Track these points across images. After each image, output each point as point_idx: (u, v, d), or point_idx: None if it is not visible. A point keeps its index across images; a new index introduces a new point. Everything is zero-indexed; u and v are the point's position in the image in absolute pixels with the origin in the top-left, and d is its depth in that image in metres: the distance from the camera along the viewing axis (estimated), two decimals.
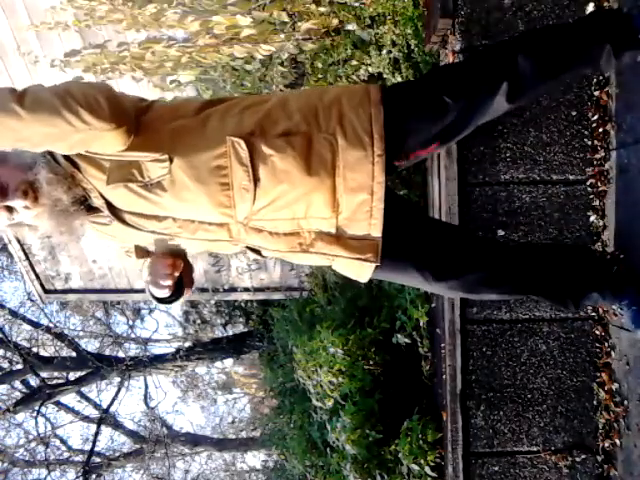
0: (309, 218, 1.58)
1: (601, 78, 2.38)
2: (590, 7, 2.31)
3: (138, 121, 1.53)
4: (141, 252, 1.77)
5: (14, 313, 8.79)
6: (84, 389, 9.91)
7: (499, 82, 1.60)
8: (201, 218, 1.59)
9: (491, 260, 1.77)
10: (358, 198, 1.55)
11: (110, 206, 1.60)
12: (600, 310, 2.45)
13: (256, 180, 1.52)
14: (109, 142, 1.47)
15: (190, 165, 1.51)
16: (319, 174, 1.53)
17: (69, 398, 9.99)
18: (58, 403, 9.63)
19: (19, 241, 5.65)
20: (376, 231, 1.58)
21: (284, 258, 1.71)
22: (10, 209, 1.55)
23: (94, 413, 10.09)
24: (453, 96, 1.58)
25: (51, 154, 1.55)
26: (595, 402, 2.47)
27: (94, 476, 10.02)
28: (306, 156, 1.52)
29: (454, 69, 1.84)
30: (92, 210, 1.63)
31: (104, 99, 1.44)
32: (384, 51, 2.89)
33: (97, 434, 9.63)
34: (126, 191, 1.54)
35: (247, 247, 1.68)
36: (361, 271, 1.67)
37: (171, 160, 1.51)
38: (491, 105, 1.62)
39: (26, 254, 5.77)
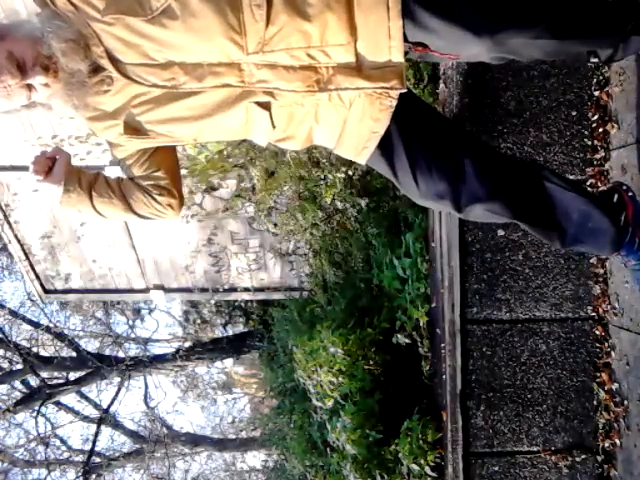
0: (325, 47, 1.46)
1: (601, 78, 2.39)
2: None
3: None
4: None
5: (14, 313, 8.78)
6: (84, 389, 9.90)
7: (540, 19, 1.51)
8: (209, 57, 1.45)
9: (490, 168, 1.66)
10: (373, 16, 1.44)
11: (110, 57, 1.46)
12: (600, 310, 2.45)
13: None
14: None
15: None
16: None
17: (69, 398, 9.98)
18: (58, 403, 9.62)
19: (19, 241, 5.65)
20: (398, 54, 1.47)
21: (297, 115, 1.55)
22: (29, 87, 1.45)
23: (94, 413, 10.08)
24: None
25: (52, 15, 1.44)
26: (595, 402, 2.47)
27: (94, 476, 10.01)
28: None
29: None
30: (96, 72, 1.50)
31: None
32: None
33: (97, 434, 9.63)
34: (126, 32, 1.42)
35: (257, 103, 1.52)
36: (373, 132, 1.55)
37: None
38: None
39: (26, 254, 5.77)
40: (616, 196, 1.78)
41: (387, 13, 1.45)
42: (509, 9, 1.52)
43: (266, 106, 1.53)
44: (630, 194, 1.77)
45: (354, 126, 1.57)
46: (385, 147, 1.60)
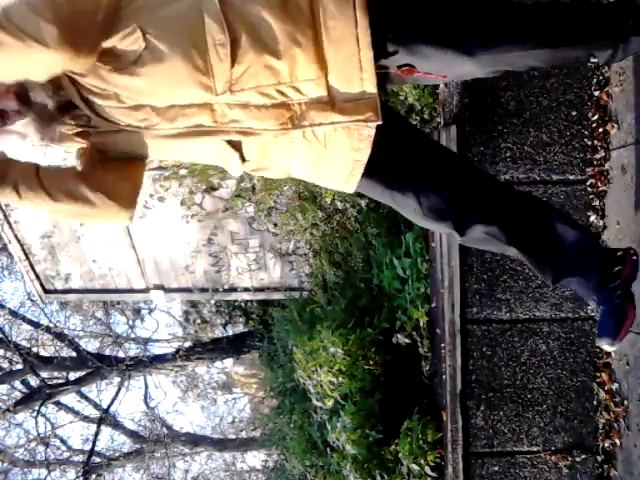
0: (296, 82, 1.44)
1: (601, 78, 2.39)
2: None
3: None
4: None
5: (14, 313, 8.79)
6: (84, 389, 9.91)
7: (531, 34, 1.52)
8: (180, 99, 1.45)
9: (489, 192, 1.66)
10: (344, 49, 1.42)
11: (84, 100, 1.47)
12: None
13: (232, 36, 1.39)
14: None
15: (161, 26, 1.40)
16: (298, 22, 1.41)
17: (69, 398, 9.99)
18: (58, 403, 9.62)
19: (19, 241, 5.66)
20: (370, 86, 1.45)
21: (271, 151, 1.54)
22: (1, 114, 1.45)
23: (94, 413, 10.09)
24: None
25: None
26: (595, 402, 2.47)
27: (94, 476, 10.02)
28: (282, 4, 1.41)
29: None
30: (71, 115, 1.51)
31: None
32: None
33: (97, 434, 9.63)
34: (98, 82, 1.43)
35: (229, 143, 1.51)
36: (355, 161, 1.54)
37: (142, 32, 1.38)
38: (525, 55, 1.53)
39: (26, 254, 5.77)
40: (620, 252, 1.76)
41: (357, 45, 1.43)
42: (500, 25, 1.52)
43: (236, 145, 1.52)
44: (635, 258, 1.74)
45: (334, 159, 1.55)
46: (377, 172, 1.58)
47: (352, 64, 1.44)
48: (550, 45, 1.54)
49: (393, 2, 1.50)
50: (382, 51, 1.49)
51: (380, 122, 1.48)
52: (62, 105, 1.48)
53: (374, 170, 1.57)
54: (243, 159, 1.55)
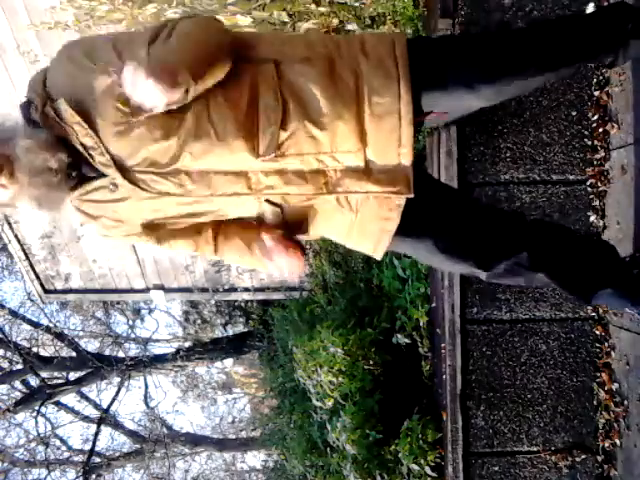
0: (335, 153, 1.48)
1: (601, 78, 2.39)
2: (590, 7, 2.31)
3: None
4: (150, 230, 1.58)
5: (14, 313, 8.78)
6: (84, 389, 9.90)
7: (529, 65, 1.56)
8: (218, 165, 1.45)
9: (509, 231, 1.71)
10: (386, 124, 1.47)
11: (117, 165, 1.44)
12: (600, 310, 2.45)
13: (284, 102, 1.43)
14: None
15: (220, 89, 1.42)
16: (343, 97, 1.45)
17: (69, 398, 9.99)
18: (58, 403, 9.61)
19: (19, 241, 5.65)
20: (406, 160, 1.49)
21: (305, 214, 1.58)
22: None
23: (94, 413, 10.08)
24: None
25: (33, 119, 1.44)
26: (595, 402, 2.47)
27: (94, 476, 10.02)
28: (329, 76, 1.46)
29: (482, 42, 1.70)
30: (81, 183, 1.47)
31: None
32: None
33: (97, 434, 9.62)
34: (144, 131, 1.40)
35: (267, 201, 1.54)
36: (383, 230, 1.58)
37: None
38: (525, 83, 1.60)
39: (26, 254, 5.77)
40: (628, 258, 1.88)
41: (399, 121, 1.47)
42: (498, 60, 1.57)
43: (277, 204, 1.56)
44: None
45: (363, 227, 1.60)
46: (403, 232, 1.61)
47: (392, 139, 1.48)
48: (549, 69, 1.59)
49: (424, 67, 1.53)
50: (416, 112, 1.52)
51: (412, 195, 1.52)
52: (62, 168, 1.43)
53: (400, 232, 1.60)
54: (281, 209, 1.57)
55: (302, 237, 1.67)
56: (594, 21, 1.72)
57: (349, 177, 1.50)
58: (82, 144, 1.42)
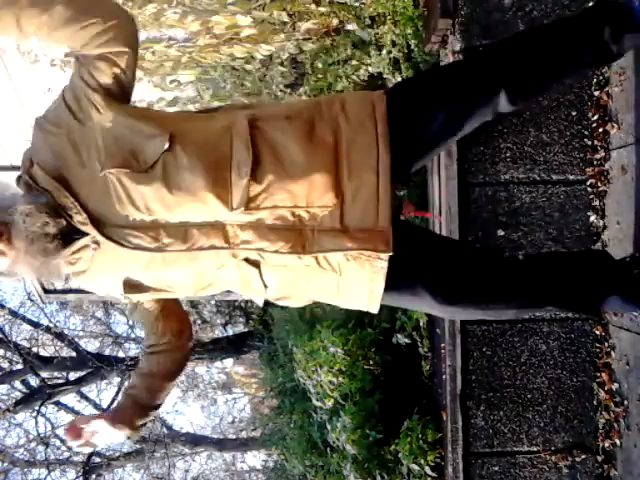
0: (311, 207, 1.45)
1: (601, 78, 2.39)
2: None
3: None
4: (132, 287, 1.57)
5: (14, 313, 8.79)
6: (84, 389, 9.92)
7: (497, 88, 1.56)
8: (193, 217, 1.44)
9: (503, 277, 1.70)
10: (363, 182, 1.46)
11: (93, 221, 1.44)
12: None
13: (255, 156, 1.43)
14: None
15: (190, 141, 1.44)
16: (321, 153, 1.46)
17: (69, 398, 10.00)
18: (58, 403, 9.62)
19: None
20: (384, 220, 1.47)
21: (289, 280, 1.55)
22: None
23: (94, 413, 10.09)
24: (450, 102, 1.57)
25: (31, 179, 1.47)
26: (595, 402, 2.47)
27: (94, 476, 10.03)
28: (308, 133, 1.47)
29: (454, 72, 1.74)
30: (70, 242, 1.47)
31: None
32: (384, 51, 2.89)
33: None
34: (117, 187, 1.41)
35: (245, 260, 1.51)
36: (373, 290, 1.55)
37: (171, 139, 1.42)
38: (488, 110, 1.60)
39: None
40: (628, 259, 1.87)
41: (377, 180, 1.46)
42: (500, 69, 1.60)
43: (256, 264, 1.51)
44: None
45: (351, 287, 1.56)
46: (393, 288, 1.58)
47: (369, 198, 1.46)
48: (530, 97, 1.73)
49: (404, 126, 1.54)
50: (395, 172, 1.51)
51: (391, 253, 1.49)
52: (59, 233, 1.44)
53: (391, 287, 1.57)
54: (264, 284, 1.54)
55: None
56: (571, 26, 1.70)
57: (325, 235, 1.47)
58: (60, 205, 1.43)
